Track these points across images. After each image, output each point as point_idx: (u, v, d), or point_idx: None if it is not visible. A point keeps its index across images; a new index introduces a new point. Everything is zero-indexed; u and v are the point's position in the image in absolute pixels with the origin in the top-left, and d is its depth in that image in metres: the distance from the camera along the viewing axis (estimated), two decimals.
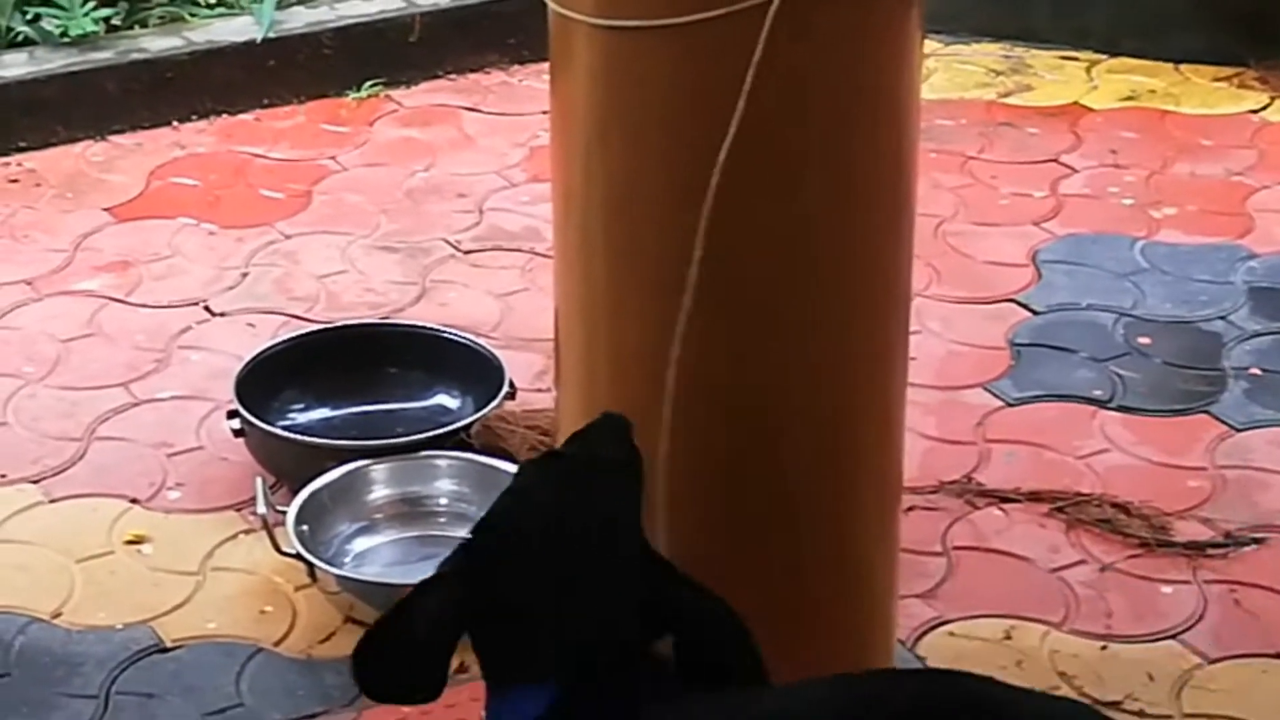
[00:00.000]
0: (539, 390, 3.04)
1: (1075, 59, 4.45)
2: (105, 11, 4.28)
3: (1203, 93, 4.28)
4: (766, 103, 1.95)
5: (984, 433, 3.03)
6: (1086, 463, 2.95)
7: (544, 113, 2.19)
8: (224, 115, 4.22)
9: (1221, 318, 3.36)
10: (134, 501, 2.89)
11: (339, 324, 3.25)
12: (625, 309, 2.15)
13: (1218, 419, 3.06)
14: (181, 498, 2.91)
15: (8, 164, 4.00)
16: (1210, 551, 2.75)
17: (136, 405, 3.13)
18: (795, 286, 2.04)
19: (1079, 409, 3.10)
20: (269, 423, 2.92)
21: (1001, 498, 2.87)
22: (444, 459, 2.86)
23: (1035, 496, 2.86)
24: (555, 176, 2.23)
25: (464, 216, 3.78)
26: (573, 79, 2.10)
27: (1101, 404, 3.10)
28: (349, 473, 2.81)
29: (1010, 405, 3.10)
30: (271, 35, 4.28)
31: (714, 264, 2.02)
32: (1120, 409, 3.09)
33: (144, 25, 4.39)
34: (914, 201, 2.18)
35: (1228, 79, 4.33)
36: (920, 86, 2.17)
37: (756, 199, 2.01)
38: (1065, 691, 2.46)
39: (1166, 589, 2.69)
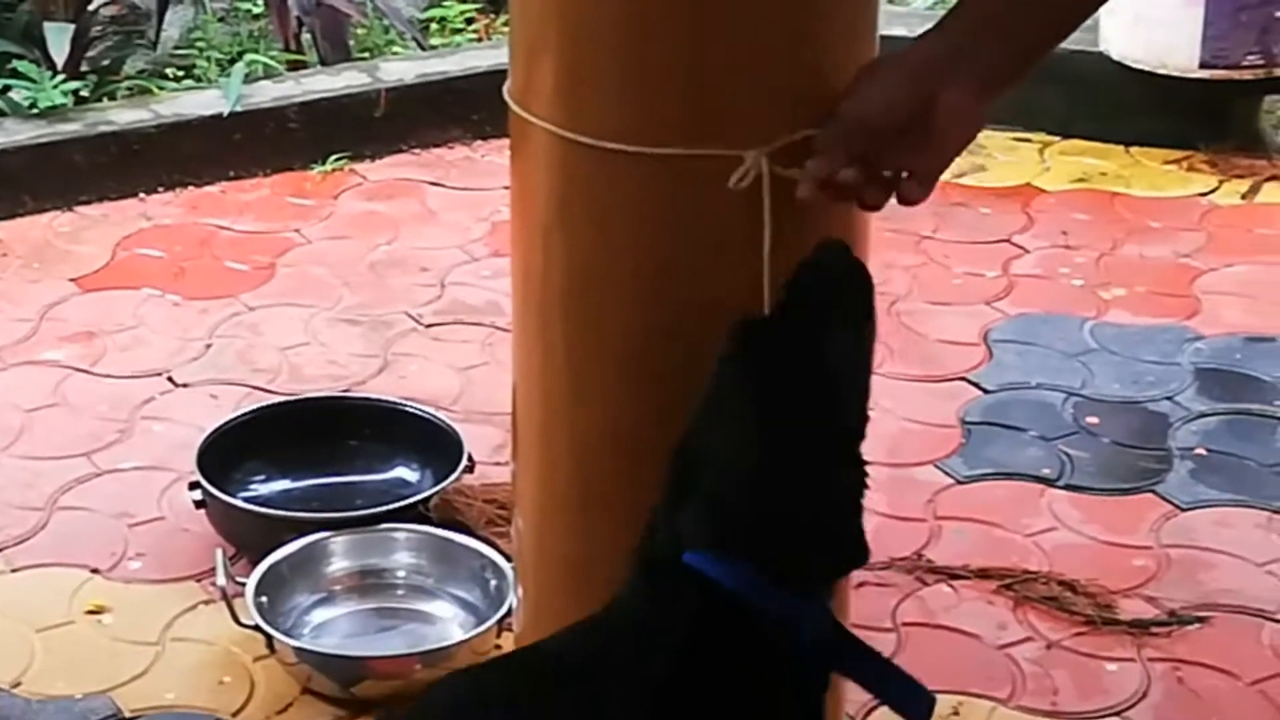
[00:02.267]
0: (498, 464, 3.09)
1: (1028, 140, 4.52)
2: (74, 84, 4.33)
3: (1153, 175, 4.35)
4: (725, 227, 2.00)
5: (934, 510, 3.07)
6: (1035, 540, 3.00)
7: (506, 188, 2.23)
8: (190, 187, 4.27)
9: (1168, 398, 3.41)
10: (95, 571, 2.91)
11: (301, 396, 3.29)
12: (584, 388, 2.17)
13: (1163, 498, 3.10)
14: (142, 568, 2.93)
15: None
16: (1155, 630, 2.79)
17: (99, 475, 3.16)
18: None
19: (1028, 487, 3.14)
20: (230, 494, 2.95)
21: (951, 574, 2.91)
22: (402, 532, 2.89)
23: (984, 574, 2.90)
24: (515, 256, 2.26)
25: (426, 290, 3.83)
26: (530, 165, 2.14)
27: (1050, 482, 3.15)
28: (308, 545, 2.84)
29: (961, 483, 3.15)
30: (238, 109, 4.34)
31: (673, 341, 2.06)
32: (1068, 487, 3.13)
33: (112, 98, 4.45)
34: None
35: (1177, 162, 4.40)
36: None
37: (713, 284, 2.04)
38: None
39: (1111, 666, 2.72)
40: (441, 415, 3.15)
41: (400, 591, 2.86)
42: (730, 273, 2.00)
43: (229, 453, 3.04)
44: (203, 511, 2.94)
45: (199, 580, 2.88)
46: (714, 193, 1.95)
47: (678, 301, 2.04)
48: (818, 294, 1.83)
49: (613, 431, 2.13)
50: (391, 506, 2.92)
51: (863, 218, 2.17)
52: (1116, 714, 2.63)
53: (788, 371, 1.79)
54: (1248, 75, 4.30)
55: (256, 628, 2.67)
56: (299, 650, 2.68)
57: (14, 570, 2.93)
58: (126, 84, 4.59)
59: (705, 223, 2.00)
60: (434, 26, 5.19)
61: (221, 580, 2.70)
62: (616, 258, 2.08)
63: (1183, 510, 3.07)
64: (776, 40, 1.96)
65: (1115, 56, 4.42)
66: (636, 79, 1.99)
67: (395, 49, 4.93)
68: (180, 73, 4.73)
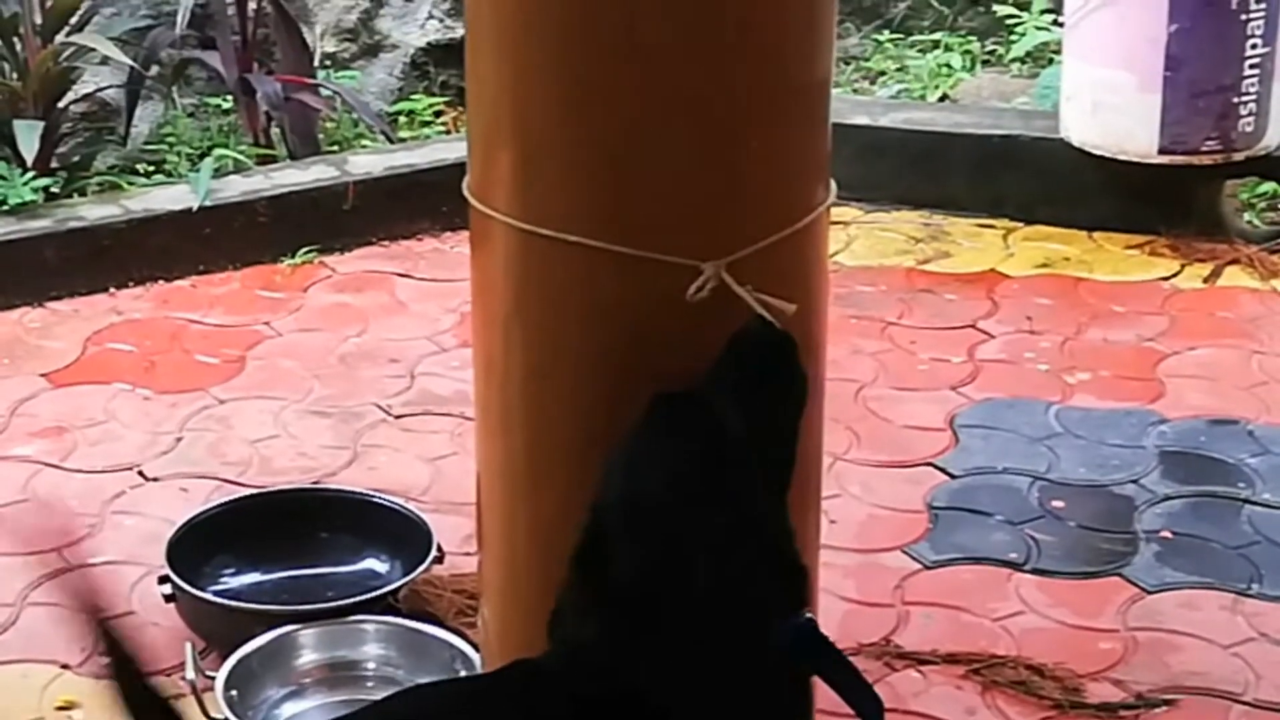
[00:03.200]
0: (467, 554, 3.09)
1: (992, 227, 4.57)
2: (45, 181, 4.36)
3: (1115, 260, 4.40)
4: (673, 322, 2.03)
5: (903, 595, 3.09)
6: (1002, 624, 3.01)
7: None
8: (160, 282, 4.29)
9: (1134, 481, 3.43)
10: (65, 667, 2.91)
11: (271, 489, 3.30)
12: (543, 474, 2.21)
13: (1130, 581, 3.12)
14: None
15: None
16: (1122, 713, 2.80)
17: (69, 571, 3.16)
18: None
19: (995, 571, 3.16)
20: (200, 587, 2.95)
21: (919, 660, 2.92)
22: (372, 624, 2.89)
23: (952, 658, 2.92)
24: (476, 347, 2.30)
25: (396, 381, 3.84)
26: (490, 258, 2.18)
27: (1017, 566, 3.16)
28: (277, 638, 2.84)
29: (928, 568, 3.17)
30: (208, 203, 4.37)
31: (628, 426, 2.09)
32: (1035, 571, 3.15)
33: (82, 194, 4.48)
34: (824, 369, 2.27)
35: (1139, 247, 4.45)
36: (826, 260, 2.26)
37: (665, 375, 2.07)
38: None
39: None
40: (411, 506, 3.17)
41: (370, 684, 2.85)
42: (680, 364, 2.04)
43: (199, 546, 3.05)
44: (173, 605, 2.95)
45: (169, 674, 2.86)
46: (666, 292, 1.99)
47: (632, 390, 2.06)
48: (737, 364, 1.87)
49: (572, 515, 2.15)
50: (361, 598, 2.93)
51: (821, 311, 2.21)
52: None
53: (695, 437, 1.88)
54: (1206, 160, 4.36)
55: None
56: None
57: None
58: (97, 180, 4.61)
59: (656, 319, 2.04)
60: (402, 120, 5.23)
61: (191, 674, 2.71)
62: (572, 347, 2.12)
63: (1149, 593, 3.09)
64: (725, 148, 2.01)
65: (1076, 143, 4.48)
66: (592, 172, 2.04)
67: (364, 142, 4.97)
68: (150, 168, 4.76)
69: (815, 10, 2.09)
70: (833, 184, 2.19)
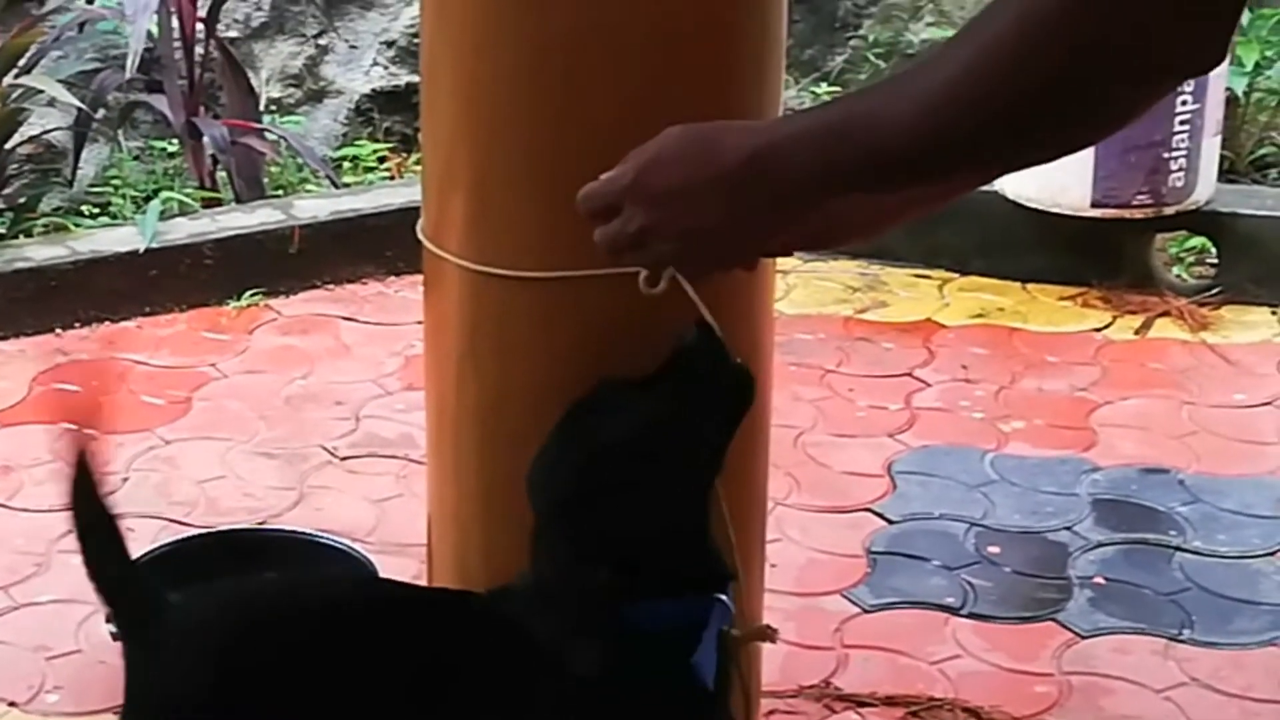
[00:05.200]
0: None
1: (928, 277, 4.64)
2: None
3: (1049, 311, 4.48)
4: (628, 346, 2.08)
5: (842, 638, 3.13)
6: (940, 668, 3.06)
7: (419, 323, 2.31)
8: (106, 323, 4.31)
9: (1067, 528, 3.49)
10: (12, 705, 2.92)
11: (217, 529, 3.32)
12: (497, 517, 2.24)
13: (1064, 626, 3.17)
14: (60, 701, 2.94)
15: None
16: None
17: (16, 609, 3.18)
18: None
19: (933, 616, 3.21)
20: None
21: (859, 702, 2.96)
22: None
23: (891, 701, 2.96)
24: (429, 388, 2.33)
25: (341, 424, 3.88)
26: (443, 300, 2.22)
27: (954, 611, 3.21)
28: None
29: (867, 612, 3.21)
30: (154, 245, 4.38)
31: None
32: (972, 616, 3.20)
33: (29, 235, 4.49)
34: (769, 414, 2.32)
35: (1072, 298, 4.53)
36: (773, 308, 2.31)
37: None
38: None
39: None
40: (357, 547, 3.19)
41: None
42: None
43: None
44: (119, 643, 2.96)
45: (117, 712, 2.86)
46: (618, 313, 2.03)
47: None
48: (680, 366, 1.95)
49: (524, 557, 2.18)
50: None
51: (766, 353, 2.25)
52: None
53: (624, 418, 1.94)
54: (1138, 214, 4.44)
55: None
56: None
57: None
58: (43, 221, 4.63)
59: (610, 342, 2.08)
60: (347, 165, 5.27)
61: None
62: (524, 386, 2.16)
63: (1083, 638, 3.14)
64: None
65: (1010, 196, 4.55)
66: (544, 210, 2.08)
67: (309, 187, 5.00)
68: (96, 210, 4.79)
69: (765, 64, 2.15)
70: None
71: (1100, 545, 3.43)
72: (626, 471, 1.93)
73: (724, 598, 1.98)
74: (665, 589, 1.95)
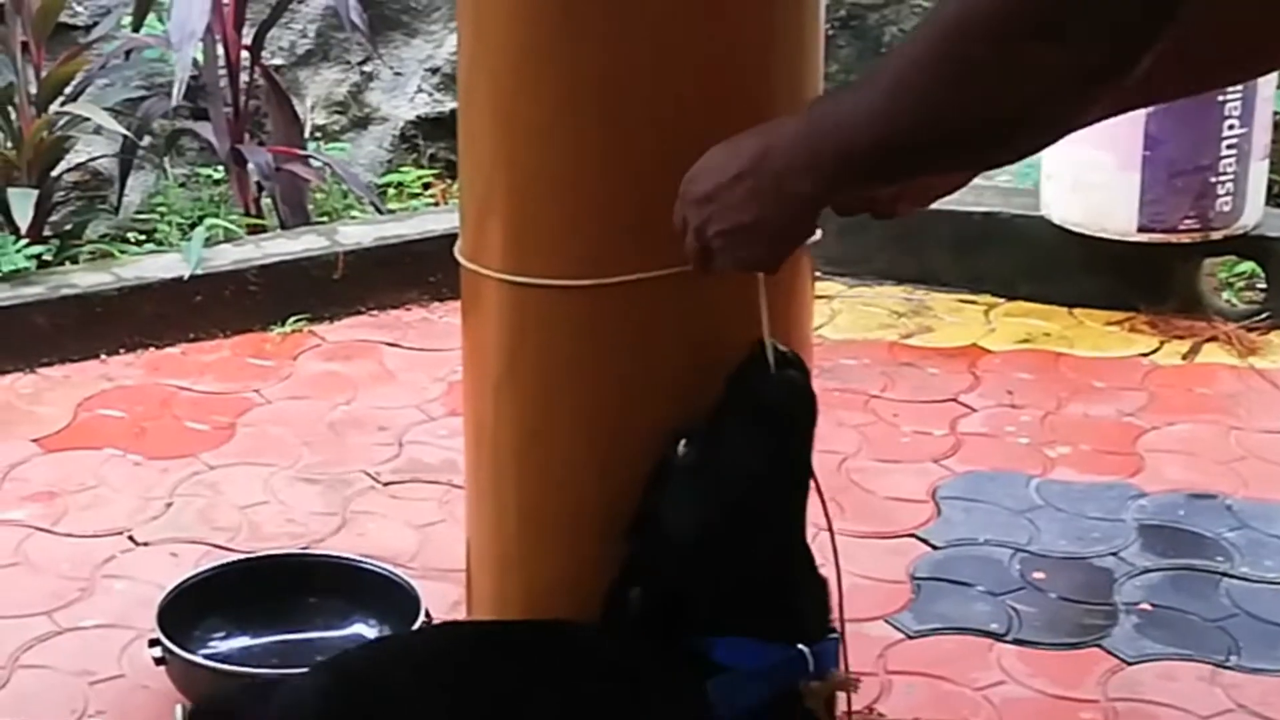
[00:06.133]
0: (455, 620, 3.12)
1: (974, 302, 4.63)
2: (37, 249, 4.40)
3: (1095, 336, 4.45)
4: (665, 355, 2.08)
5: (885, 664, 3.11)
6: (984, 694, 3.03)
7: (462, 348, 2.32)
8: (151, 349, 4.33)
9: (1113, 554, 3.46)
10: None
11: (260, 554, 3.32)
12: (535, 543, 2.24)
13: (1110, 653, 3.14)
14: None
15: None
16: None
17: (60, 634, 3.19)
18: None
19: (977, 642, 3.19)
20: (190, 651, 2.97)
21: None
22: None
23: None
24: (467, 412, 2.33)
25: (384, 449, 3.88)
26: (482, 321, 2.22)
27: (998, 637, 3.19)
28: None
29: (911, 638, 3.19)
30: (199, 272, 4.40)
31: (622, 488, 2.12)
32: (1016, 642, 3.18)
33: (74, 261, 4.51)
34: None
35: (1119, 323, 4.51)
36: (811, 329, 2.30)
37: (660, 439, 2.11)
38: None
39: None
40: (399, 572, 3.18)
41: None
42: (676, 409, 2.08)
43: (189, 610, 3.06)
44: (162, 668, 2.96)
45: None
46: (660, 319, 2.03)
47: (626, 448, 2.10)
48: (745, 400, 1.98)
49: (565, 582, 2.18)
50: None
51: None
52: None
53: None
54: (1185, 239, 4.42)
55: None
56: None
57: None
58: (89, 248, 4.66)
59: (654, 354, 2.08)
60: (391, 191, 5.29)
61: None
62: (565, 407, 2.15)
63: (1129, 664, 3.11)
64: None
65: (1056, 221, 4.54)
66: (584, 221, 2.08)
67: (353, 213, 5.02)
68: (142, 237, 4.81)
69: (801, 86, 2.14)
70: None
71: (1147, 571, 3.41)
72: (697, 501, 1.95)
73: (804, 649, 2.00)
74: (741, 630, 1.98)
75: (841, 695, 2.13)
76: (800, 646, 2.01)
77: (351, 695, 2.06)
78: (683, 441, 2.00)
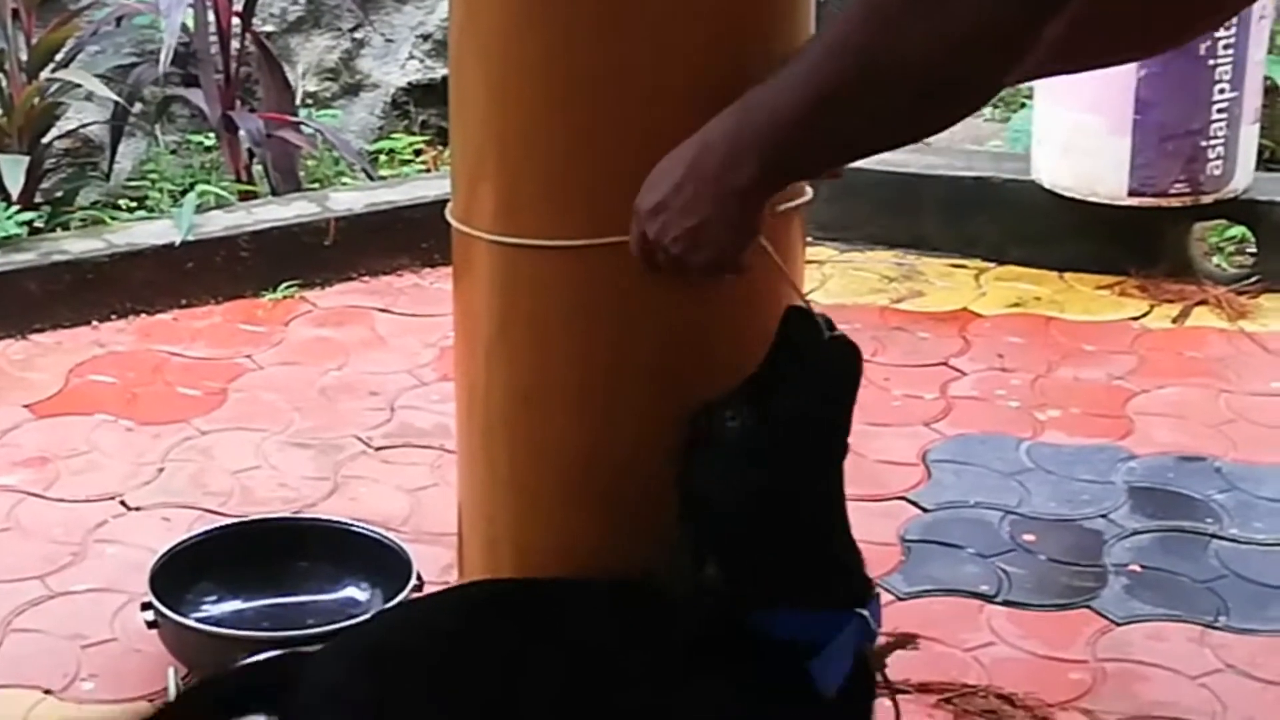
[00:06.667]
0: (446, 583, 3.11)
1: (964, 267, 4.63)
2: (29, 215, 4.40)
3: (1085, 300, 4.46)
4: (656, 319, 2.08)
5: None
6: (974, 655, 3.05)
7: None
8: (143, 315, 4.34)
9: (1103, 516, 3.47)
10: (48, 692, 2.93)
11: (252, 518, 3.33)
12: (525, 506, 2.23)
13: (1099, 613, 3.16)
14: (95, 689, 2.95)
15: None
16: None
17: (52, 598, 3.19)
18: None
19: (967, 603, 3.20)
20: (182, 614, 2.98)
21: (893, 689, 2.94)
22: None
23: (924, 688, 2.94)
24: (458, 377, 2.32)
25: (376, 414, 3.88)
26: (473, 284, 2.21)
27: (988, 599, 3.20)
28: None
29: (901, 599, 3.20)
30: (190, 238, 4.41)
31: (612, 453, 2.12)
32: (1006, 604, 3.19)
33: (66, 228, 4.52)
34: None
35: (1109, 287, 4.52)
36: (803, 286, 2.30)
37: (646, 406, 2.11)
38: None
39: None
40: (391, 536, 3.19)
41: None
42: (668, 374, 2.08)
43: (181, 574, 3.07)
44: (155, 632, 2.96)
45: (152, 700, 2.89)
46: (652, 281, 2.03)
47: (616, 412, 2.10)
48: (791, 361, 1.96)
49: (556, 546, 2.18)
50: (341, 625, 2.94)
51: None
52: None
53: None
54: (1175, 203, 4.42)
55: None
56: None
57: None
58: (80, 214, 4.65)
59: (645, 315, 2.08)
60: (383, 158, 5.29)
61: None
62: (557, 369, 2.15)
63: (1118, 625, 3.13)
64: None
65: (1047, 185, 4.54)
66: (575, 182, 2.07)
67: (345, 180, 5.02)
68: (133, 203, 4.81)
69: (798, 24, 2.14)
70: (808, 188, 2.22)
71: (1136, 533, 3.42)
72: (754, 473, 1.93)
73: (864, 612, 1.99)
74: (801, 600, 1.95)
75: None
76: (860, 610, 1.99)
77: (387, 668, 2.00)
78: (728, 414, 1.96)
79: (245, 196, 4.75)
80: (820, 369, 1.96)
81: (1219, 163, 4.40)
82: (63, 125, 4.79)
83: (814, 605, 1.96)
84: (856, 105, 1.73)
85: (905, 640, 2.12)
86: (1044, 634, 3.11)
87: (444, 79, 5.28)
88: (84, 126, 4.93)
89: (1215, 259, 4.68)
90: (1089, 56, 1.95)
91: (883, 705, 2.88)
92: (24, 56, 4.55)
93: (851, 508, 3.39)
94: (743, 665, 1.95)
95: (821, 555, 2.00)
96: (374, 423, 3.84)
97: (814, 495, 1.99)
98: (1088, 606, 3.18)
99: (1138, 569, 3.30)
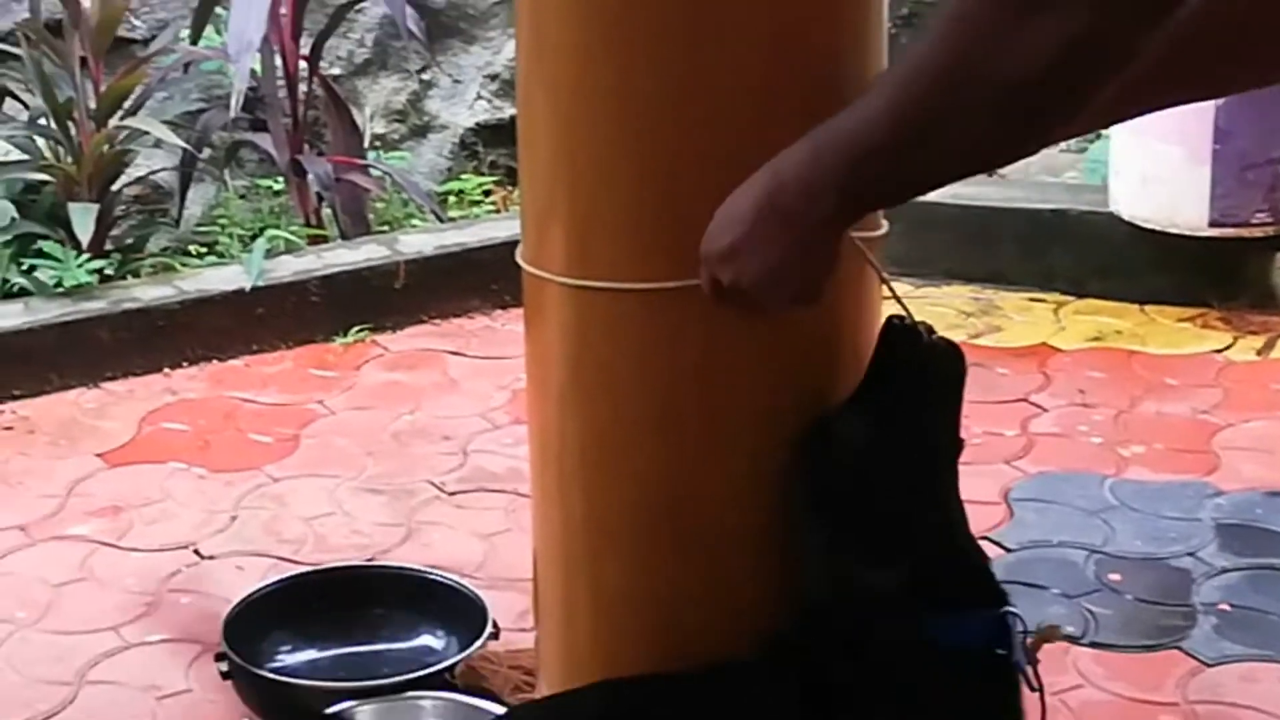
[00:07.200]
0: (523, 630, 3.08)
1: (1043, 300, 4.58)
2: (99, 263, 4.40)
3: (1168, 333, 4.40)
4: (734, 357, 2.04)
5: None
6: (1061, 698, 2.98)
7: None
8: (214, 361, 4.33)
9: (1190, 554, 3.41)
10: None
11: (326, 566, 3.30)
12: (602, 550, 2.20)
13: (1189, 654, 3.09)
14: None
15: (1, 412, 4.09)
16: None
17: (127, 649, 3.17)
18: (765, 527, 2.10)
19: (1053, 645, 3.12)
20: (257, 665, 2.96)
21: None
22: (429, 699, 2.88)
23: None
24: (532, 421, 2.30)
25: (449, 458, 3.86)
26: (546, 328, 2.19)
27: (1074, 640, 3.14)
28: (335, 714, 2.84)
29: None
30: (260, 284, 4.40)
31: (689, 493, 2.09)
32: (1093, 645, 3.13)
33: (136, 275, 4.51)
34: None
35: (1191, 319, 4.45)
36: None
37: (726, 445, 2.07)
38: None
39: None
40: (466, 582, 3.16)
41: None
42: (740, 411, 2.04)
43: (255, 624, 3.05)
44: (229, 682, 2.95)
45: None
46: (727, 321, 1.99)
47: (695, 453, 2.07)
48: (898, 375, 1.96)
49: (632, 589, 2.15)
50: (417, 674, 2.93)
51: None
52: None
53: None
54: (1257, 233, 4.36)
55: None
56: None
57: None
58: (150, 261, 4.65)
59: (722, 354, 2.04)
60: (452, 199, 5.28)
61: None
62: (631, 414, 2.12)
63: (1208, 666, 3.06)
64: None
65: (1125, 217, 4.48)
66: (648, 223, 2.04)
67: (414, 222, 5.00)
68: (203, 249, 4.81)
69: (868, 72, 2.10)
70: (884, 220, 2.19)
71: (1224, 571, 3.35)
72: (885, 478, 1.92)
73: (1014, 608, 2.00)
74: (956, 602, 1.96)
75: None
76: (1009, 607, 2.00)
77: None
78: (847, 426, 1.95)
79: (315, 240, 4.75)
80: (926, 372, 1.96)
81: None
82: (132, 172, 4.79)
83: (966, 608, 1.98)
84: (941, 129, 1.67)
85: (1053, 633, 2.08)
86: (1132, 676, 3.05)
87: (512, 118, 5.26)
88: (153, 173, 4.94)
89: None
90: (1181, 87, 1.90)
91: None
92: (92, 104, 4.56)
93: None
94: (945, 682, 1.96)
95: (963, 556, 2.01)
96: (447, 467, 3.81)
97: (952, 495, 1.99)
98: (1177, 647, 3.12)
99: (1227, 608, 3.24)
